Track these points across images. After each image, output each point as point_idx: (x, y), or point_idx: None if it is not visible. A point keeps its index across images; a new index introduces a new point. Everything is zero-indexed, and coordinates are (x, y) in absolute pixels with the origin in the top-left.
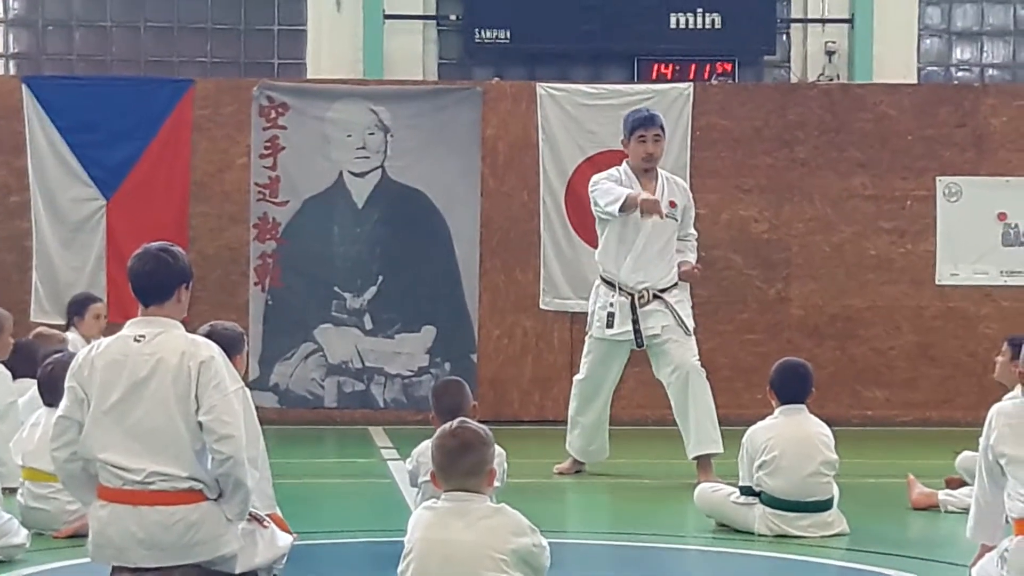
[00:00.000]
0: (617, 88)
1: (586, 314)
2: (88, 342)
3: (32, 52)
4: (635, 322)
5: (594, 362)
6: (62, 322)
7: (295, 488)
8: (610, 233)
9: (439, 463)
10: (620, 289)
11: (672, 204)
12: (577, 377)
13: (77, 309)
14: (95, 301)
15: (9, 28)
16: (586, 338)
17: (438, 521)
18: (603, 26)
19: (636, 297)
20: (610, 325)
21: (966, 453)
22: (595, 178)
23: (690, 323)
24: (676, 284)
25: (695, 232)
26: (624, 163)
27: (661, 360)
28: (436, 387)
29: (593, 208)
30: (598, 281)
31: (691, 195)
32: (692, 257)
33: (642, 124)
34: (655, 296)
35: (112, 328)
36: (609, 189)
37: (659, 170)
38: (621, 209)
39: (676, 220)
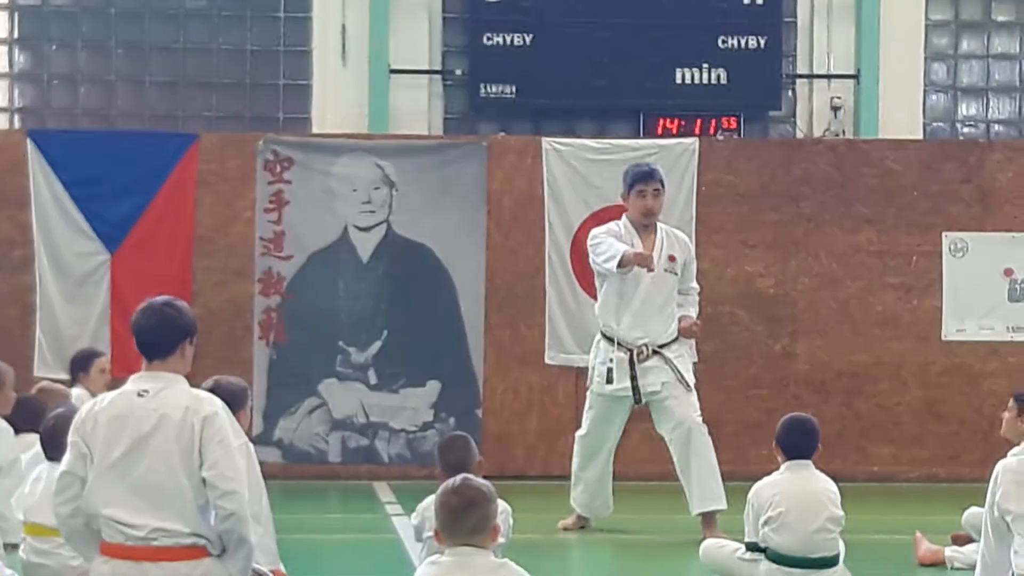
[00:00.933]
0: (623, 143)
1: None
2: (93, 397)
3: (37, 106)
4: (633, 378)
5: (595, 418)
6: (65, 376)
7: (299, 544)
8: (609, 288)
9: (442, 521)
10: (619, 345)
11: (671, 259)
12: (579, 433)
13: (82, 364)
14: (99, 355)
15: (14, 82)
16: (587, 393)
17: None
18: (609, 81)
19: (635, 353)
20: (609, 381)
21: (973, 509)
22: (594, 232)
23: (690, 378)
24: (676, 339)
25: (697, 286)
26: (624, 217)
27: (662, 416)
28: (442, 443)
29: (592, 263)
30: (598, 336)
31: (692, 249)
32: (693, 312)
33: (641, 179)
34: (654, 352)
35: (116, 383)
36: (607, 245)
37: (659, 224)
38: (619, 266)
39: (676, 275)
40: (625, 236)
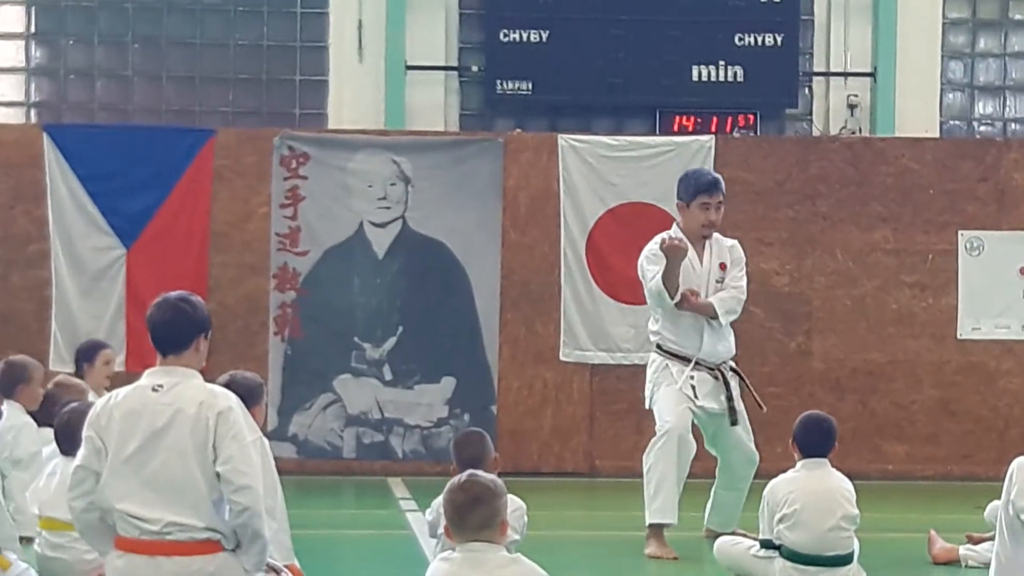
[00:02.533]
0: (639, 140)
1: (606, 366)
2: (95, 389)
3: (53, 101)
4: (729, 399)
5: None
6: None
7: (313, 539)
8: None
9: (450, 517)
10: (698, 364)
11: (722, 267)
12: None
13: (87, 355)
14: (104, 347)
15: (31, 77)
16: (657, 397)
17: (455, 572)
18: (625, 78)
19: (720, 371)
20: (696, 396)
21: (996, 503)
22: (643, 254)
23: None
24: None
25: (741, 287)
26: (675, 226)
27: (729, 439)
28: (457, 438)
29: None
30: (661, 357)
31: (742, 256)
32: (716, 297)
33: (706, 189)
34: (732, 370)
35: (131, 377)
36: (651, 273)
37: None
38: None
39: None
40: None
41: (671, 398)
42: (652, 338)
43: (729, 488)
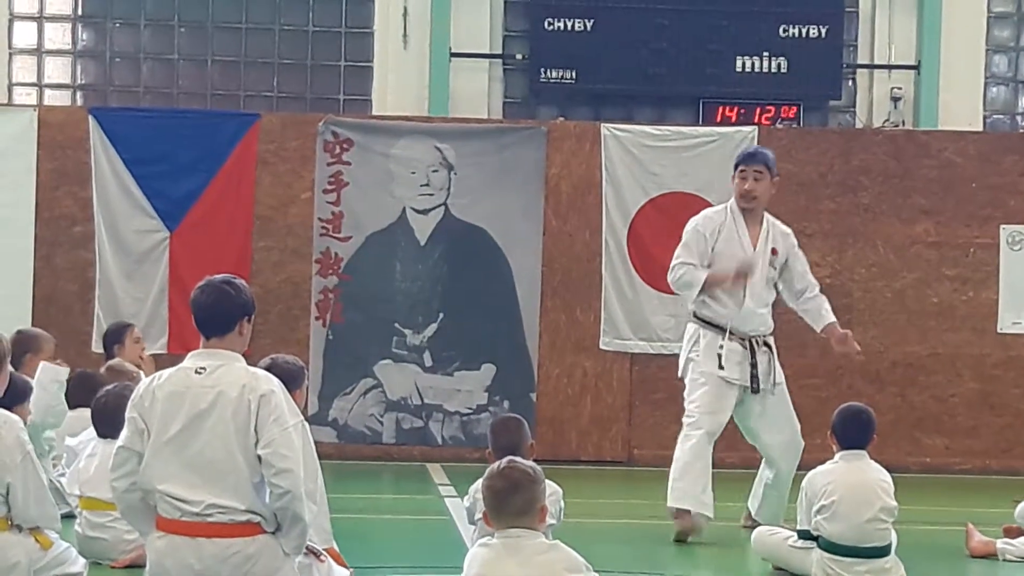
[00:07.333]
0: (681, 130)
1: (646, 355)
2: (132, 371)
3: (99, 83)
4: (753, 366)
5: (708, 401)
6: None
7: (352, 523)
8: None
9: (489, 503)
10: (731, 334)
11: (774, 252)
12: (688, 422)
13: (116, 336)
14: (130, 326)
15: (77, 59)
16: (688, 380)
17: (494, 558)
18: (669, 68)
19: (751, 342)
20: (720, 367)
21: None
22: (686, 230)
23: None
24: (771, 333)
25: (816, 281)
26: (732, 200)
27: (766, 417)
28: (494, 424)
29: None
30: (696, 326)
31: (796, 242)
32: (830, 315)
33: (743, 159)
34: (763, 344)
35: (174, 360)
36: (682, 271)
37: (766, 215)
38: (701, 291)
39: (775, 269)
40: (727, 224)
41: (709, 393)
42: (690, 306)
43: (772, 478)
